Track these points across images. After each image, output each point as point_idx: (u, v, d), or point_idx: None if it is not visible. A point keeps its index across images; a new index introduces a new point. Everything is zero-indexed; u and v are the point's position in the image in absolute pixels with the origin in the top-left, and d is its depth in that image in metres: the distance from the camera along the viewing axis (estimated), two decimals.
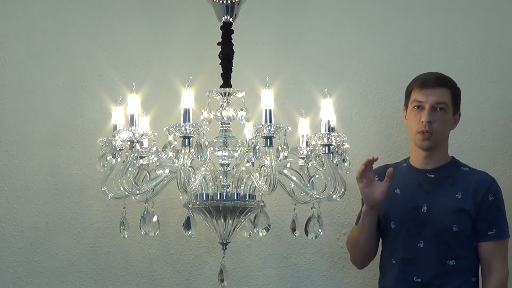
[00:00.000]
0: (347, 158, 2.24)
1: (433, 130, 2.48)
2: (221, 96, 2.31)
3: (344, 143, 2.23)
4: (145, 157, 2.27)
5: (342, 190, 2.21)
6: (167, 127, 2.10)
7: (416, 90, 2.53)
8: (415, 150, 2.58)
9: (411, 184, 2.57)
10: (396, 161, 2.75)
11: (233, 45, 2.35)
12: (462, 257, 2.47)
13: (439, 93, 2.49)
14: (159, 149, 2.19)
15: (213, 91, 2.31)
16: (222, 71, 2.34)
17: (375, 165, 2.51)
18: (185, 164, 2.07)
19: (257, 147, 2.12)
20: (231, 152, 2.27)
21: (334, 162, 2.20)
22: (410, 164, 2.61)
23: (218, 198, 2.24)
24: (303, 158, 2.39)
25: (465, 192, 2.48)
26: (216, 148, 2.26)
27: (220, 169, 2.29)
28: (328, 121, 2.21)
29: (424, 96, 2.50)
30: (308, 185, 2.32)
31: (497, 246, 2.47)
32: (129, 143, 2.19)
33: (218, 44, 2.35)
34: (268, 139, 2.07)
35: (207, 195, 2.25)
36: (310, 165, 2.30)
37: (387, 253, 2.60)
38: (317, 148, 2.20)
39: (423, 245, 2.49)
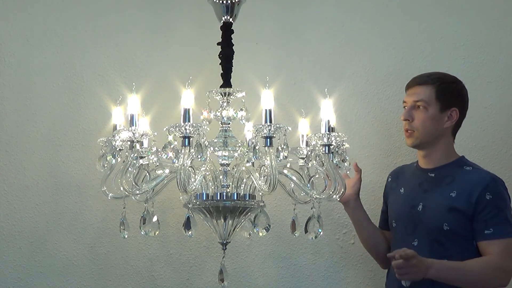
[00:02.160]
0: (347, 158, 2.24)
1: (412, 128, 2.53)
2: (221, 96, 2.30)
3: (344, 143, 2.23)
4: (145, 157, 2.27)
5: (342, 190, 2.21)
6: (167, 127, 2.10)
7: (405, 92, 2.60)
8: (417, 150, 2.60)
9: (413, 184, 2.58)
10: (401, 161, 2.85)
11: (233, 45, 2.35)
12: (456, 257, 2.42)
13: (418, 91, 2.53)
14: (159, 149, 2.19)
15: (213, 91, 2.31)
16: (222, 71, 2.34)
17: (385, 167, 2.66)
18: (185, 164, 2.06)
19: (257, 147, 2.11)
20: (231, 152, 2.27)
21: (334, 162, 2.20)
22: (418, 164, 2.63)
23: (218, 198, 2.24)
24: (303, 158, 2.39)
25: (460, 191, 2.46)
26: (216, 148, 2.26)
27: (220, 169, 2.28)
28: (328, 121, 2.20)
29: (407, 96, 2.58)
30: (308, 185, 2.31)
31: (495, 245, 2.40)
32: (129, 143, 2.19)
33: (218, 44, 2.35)
34: (268, 139, 2.07)
35: (207, 195, 2.25)
36: (310, 165, 2.29)
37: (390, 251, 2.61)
38: (317, 148, 2.20)
39: (417, 244, 2.48)
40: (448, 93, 2.54)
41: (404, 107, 2.57)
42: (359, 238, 2.75)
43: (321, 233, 2.29)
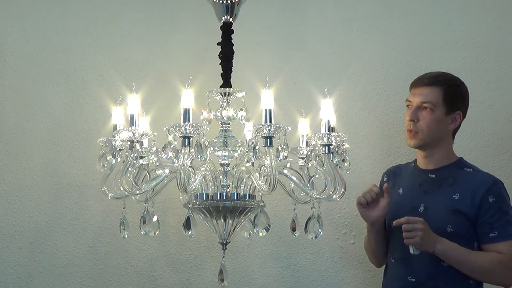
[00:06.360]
0: (347, 158, 2.24)
1: (417, 129, 2.51)
2: (221, 96, 2.30)
3: (344, 143, 2.23)
4: (145, 157, 2.27)
5: (342, 190, 2.20)
6: (167, 127, 2.10)
7: (410, 90, 2.58)
8: (416, 150, 2.60)
9: (413, 184, 2.57)
10: (402, 161, 2.83)
11: (233, 45, 2.35)
12: None
13: (426, 92, 2.51)
14: (159, 149, 2.19)
15: (213, 91, 2.31)
16: (222, 71, 2.34)
17: (385, 167, 2.65)
18: (185, 164, 2.06)
19: (257, 147, 2.11)
20: (231, 152, 2.26)
21: (334, 162, 2.20)
22: (416, 164, 2.62)
23: (218, 198, 2.23)
24: (303, 158, 2.39)
25: (463, 193, 2.46)
26: (216, 148, 2.26)
27: (220, 169, 2.28)
28: (328, 121, 2.20)
29: (412, 96, 2.55)
30: (308, 185, 2.31)
31: (501, 247, 2.41)
32: (129, 143, 2.18)
33: (218, 44, 2.35)
34: (268, 139, 2.07)
35: (207, 195, 2.25)
36: (310, 165, 2.29)
37: (389, 252, 2.61)
38: (317, 148, 2.20)
39: None
40: (455, 97, 2.54)
41: (408, 106, 2.55)
42: (369, 246, 2.67)
43: (321, 233, 2.29)
